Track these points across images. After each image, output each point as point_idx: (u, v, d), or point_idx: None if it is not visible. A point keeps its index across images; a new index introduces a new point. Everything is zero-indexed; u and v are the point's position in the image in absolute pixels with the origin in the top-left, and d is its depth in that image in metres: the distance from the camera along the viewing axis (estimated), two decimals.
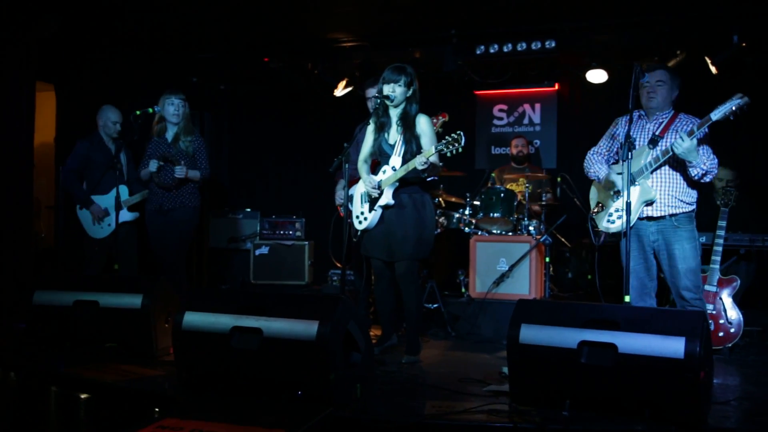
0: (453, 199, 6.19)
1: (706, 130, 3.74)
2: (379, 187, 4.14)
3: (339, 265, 6.18)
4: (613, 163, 4.12)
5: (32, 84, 5.67)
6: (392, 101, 4.09)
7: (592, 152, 4.20)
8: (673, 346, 2.73)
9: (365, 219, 4.25)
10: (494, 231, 5.69)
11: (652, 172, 3.85)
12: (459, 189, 6.38)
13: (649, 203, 3.85)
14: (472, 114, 7.44)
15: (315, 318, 3.05)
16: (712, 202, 5.41)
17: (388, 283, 4.33)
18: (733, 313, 4.59)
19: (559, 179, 6.21)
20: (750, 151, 6.37)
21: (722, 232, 4.69)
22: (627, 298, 3.50)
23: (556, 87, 7.18)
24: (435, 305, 5.45)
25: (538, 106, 7.29)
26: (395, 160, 4.11)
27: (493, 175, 6.67)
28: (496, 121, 7.45)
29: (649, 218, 3.88)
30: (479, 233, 5.68)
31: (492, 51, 6.16)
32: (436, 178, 5.93)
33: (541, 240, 5.45)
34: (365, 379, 3.29)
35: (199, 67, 6.99)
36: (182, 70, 6.94)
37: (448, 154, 3.82)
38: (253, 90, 7.57)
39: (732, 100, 3.59)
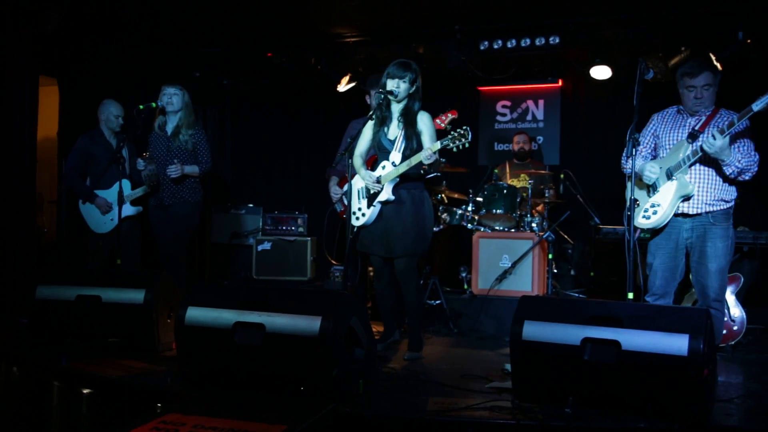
0: (455, 196, 6.17)
1: (747, 123, 3.60)
2: (379, 182, 4.13)
3: (333, 261, 6.19)
4: (653, 158, 4.02)
5: (35, 78, 5.67)
6: (396, 97, 4.08)
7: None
8: (677, 344, 2.72)
9: (363, 215, 4.22)
10: (497, 227, 5.68)
11: (690, 167, 3.75)
12: (461, 185, 6.37)
13: (686, 198, 3.76)
14: (476, 110, 7.42)
15: (318, 313, 3.04)
16: None
17: (388, 279, 4.32)
18: (737, 311, 4.58)
19: (562, 176, 6.20)
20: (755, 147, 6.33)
21: None
22: (630, 295, 3.48)
23: (560, 83, 7.15)
24: (437, 302, 5.44)
25: (541, 102, 7.27)
26: (395, 155, 4.10)
27: (496, 171, 6.65)
28: (499, 117, 7.43)
29: (685, 215, 3.80)
30: (482, 230, 5.67)
31: (496, 47, 6.13)
32: (438, 174, 5.93)
33: (544, 236, 5.44)
34: (368, 375, 3.29)
35: (203, 61, 6.98)
36: (185, 65, 6.93)
37: (455, 150, 3.80)
38: (256, 85, 7.56)
39: None
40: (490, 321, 5.28)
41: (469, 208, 5.82)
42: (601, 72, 6.30)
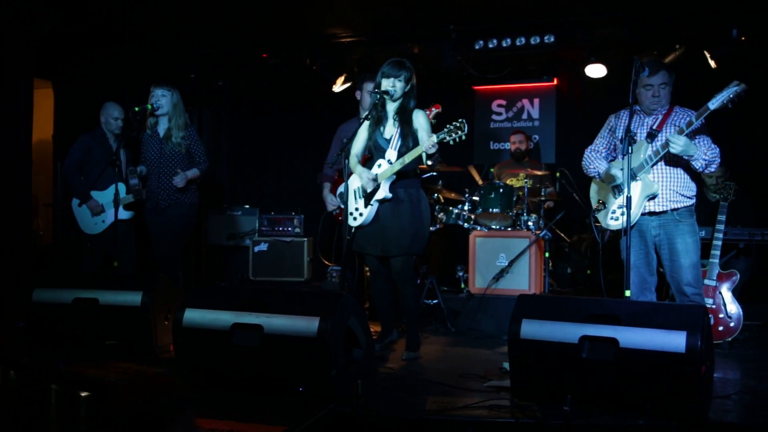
0: (452, 195, 6.18)
1: (703, 120, 3.73)
2: (376, 179, 4.13)
3: (327, 262, 6.19)
4: (611, 160, 4.11)
5: (30, 81, 5.64)
6: (391, 96, 4.08)
7: (589, 150, 4.18)
8: (675, 341, 2.73)
9: (360, 215, 4.22)
10: (493, 226, 5.68)
11: (652, 167, 3.85)
12: (458, 185, 6.36)
13: (652, 197, 3.85)
14: (471, 109, 7.42)
15: (316, 314, 3.04)
16: (705, 198, 5.42)
17: (384, 280, 4.31)
18: (733, 308, 4.60)
19: (558, 174, 6.20)
20: (750, 145, 6.37)
21: (722, 226, 4.69)
22: (627, 293, 3.50)
23: (555, 82, 7.16)
24: (434, 301, 5.45)
25: (536, 101, 7.27)
26: (391, 153, 4.09)
27: (492, 170, 6.66)
28: (494, 117, 7.44)
29: (651, 213, 3.89)
30: (478, 229, 5.67)
31: (491, 46, 6.14)
32: (435, 174, 5.94)
33: (541, 235, 5.44)
34: (366, 376, 3.29)
35: (198, 63, 6.97)
36: (180, 67, 6.91)
37: (451, 142, 3.80)
38: (251, 86, 7.55)
39: (729, 88, 3.59)
40: (487, 320, 5.28)
41: (466, 208, 5.83)
42: (596, 70, 6.32)
